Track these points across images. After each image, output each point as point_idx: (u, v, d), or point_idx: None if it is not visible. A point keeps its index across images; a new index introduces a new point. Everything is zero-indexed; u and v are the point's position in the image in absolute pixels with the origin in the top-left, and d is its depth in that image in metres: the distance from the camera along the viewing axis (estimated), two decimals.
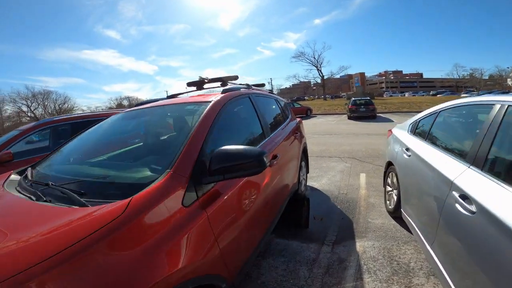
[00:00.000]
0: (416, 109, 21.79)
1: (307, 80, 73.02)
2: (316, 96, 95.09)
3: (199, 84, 2.87)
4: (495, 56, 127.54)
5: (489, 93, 2.18)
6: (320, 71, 66.52)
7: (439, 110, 2.44)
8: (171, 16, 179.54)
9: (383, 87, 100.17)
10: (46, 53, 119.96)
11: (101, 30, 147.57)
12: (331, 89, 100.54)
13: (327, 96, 72.76)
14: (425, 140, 2.42)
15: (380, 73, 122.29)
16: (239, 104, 2.26)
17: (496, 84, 64.56)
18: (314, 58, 65.13)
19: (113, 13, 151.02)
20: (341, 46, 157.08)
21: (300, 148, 3.49)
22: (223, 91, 2.13)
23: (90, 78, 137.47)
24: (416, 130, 2.79)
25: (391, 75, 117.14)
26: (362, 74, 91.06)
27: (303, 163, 3.75)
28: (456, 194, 1.45)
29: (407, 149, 2.59)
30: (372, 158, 6.44)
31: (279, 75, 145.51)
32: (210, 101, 1.84)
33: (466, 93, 54.63)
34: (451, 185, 1.52)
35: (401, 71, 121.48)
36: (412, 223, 2.27)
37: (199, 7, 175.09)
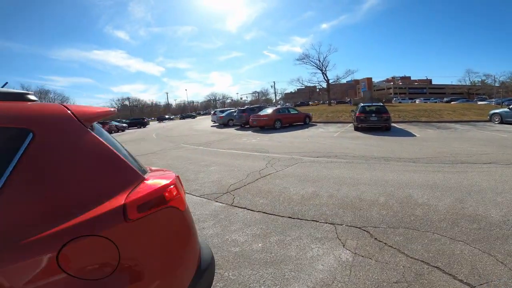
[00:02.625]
0: (437, 118, 18.11)
1: (312, 85, 69.26)
2: (321, 101, 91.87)
3: None
4: (509, 62, 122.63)
5: None
6: (325, 74, 62.60)
7: None
8: (179, 18, 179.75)
9: (391, 93, 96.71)
10: (58, 53, 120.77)
11: (111, 30, 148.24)
12: (337, 94, 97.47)
13: (332, 101, 69.30)
14: None
15: (387, 78, 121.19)
16: None
17: (510, 92, 60.40)
18: (319, 61, 61.29)
19: (123, 14, 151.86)
20: (348, 51, 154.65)
21: None
22: None
23: (99, 78, 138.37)
24: None
25: (399, 81, 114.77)
26: (369, 79, 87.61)
27: None
28: None
29: None
30: (406, 233, 2.94)
31: (285, 79, 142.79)
32: None
33: (481, 100, 50.92)
34: None
35: (409, 77, 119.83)
36: None
37: (206, 9, 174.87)
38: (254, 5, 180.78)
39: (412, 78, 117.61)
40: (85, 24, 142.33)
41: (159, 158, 9.59)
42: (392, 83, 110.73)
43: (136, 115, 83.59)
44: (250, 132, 15.85)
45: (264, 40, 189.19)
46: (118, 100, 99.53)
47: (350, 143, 9.88)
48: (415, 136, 11.25)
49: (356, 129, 13.25)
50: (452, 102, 51.61)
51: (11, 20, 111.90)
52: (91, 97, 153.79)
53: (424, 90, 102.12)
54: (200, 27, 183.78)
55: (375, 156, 7.47)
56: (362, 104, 13.49)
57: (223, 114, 22.71)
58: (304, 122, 17.76)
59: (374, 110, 12.91)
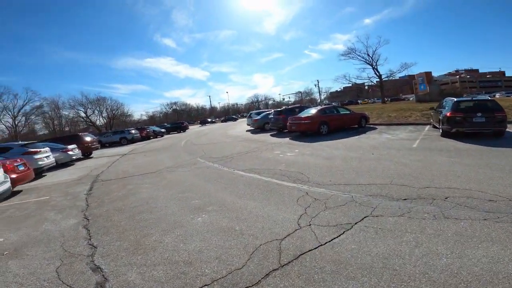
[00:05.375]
0: None
1: (361, 82, 62.31)
2: (372, 100, 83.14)
3: None
4: None
5: None
6: (376, 69, 55.56)
7: None
8: (218, 23, 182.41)
9: (457, 87, 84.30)
10: (117, 62, 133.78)
11: (159, 38, 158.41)
12: (389, 91, 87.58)
13: (386, 98, 61.34)
14: None
15: (450, 72, 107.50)
16: None
17: None
18: (368, 55, 54.66)
19: (167, 22, 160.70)
20: (399, 45, 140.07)
21: None
22: None
23: (152, 85, 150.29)
24: None
25: (463, 74, 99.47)
26: (428, 74, 76.44)
27: None
28: None
29: None
30: None
31: (329, 78, 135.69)
32: None
33: None
34: None
35: (477, 70, 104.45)
36: None
37: (243, 13, 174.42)
38: (290, 5, 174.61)
39: (480, 71, 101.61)
40: (137, 34, 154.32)
41: (151, 184, 6.78)
42: (457, 76, 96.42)
43: (183, 119, 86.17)
44: (287, 139, 12.37)
45: (304, 39, 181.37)
46: (167, 104, 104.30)
47: (455, 162, 5.78)
48: None
49: (446, 135, 8.82)
50: None
51: (77, 33, 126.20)
52: (147, 103, 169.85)
53: (499, 82, 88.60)
54: (239, 31, 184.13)
55: None
56: (455, 99, 8.96)
57: (258, 117, 19.54)
58: (359, 124, 13.59)
59: (479, 107, 8.33)
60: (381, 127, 13.28)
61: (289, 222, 3.60)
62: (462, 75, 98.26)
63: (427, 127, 11.84)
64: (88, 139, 16.96)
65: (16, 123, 51.51)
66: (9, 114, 50.81)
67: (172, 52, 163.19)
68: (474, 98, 9.20)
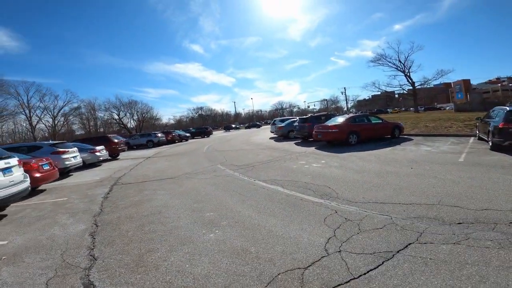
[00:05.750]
0: None
1: (392, 89, 59.47)
2: (403, 108, 79.16)
3: None
4: None
5: None
6: (409, 77, 52.78)
7: None
8: (243, 29, 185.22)
9: (499, 96, 78.23)
10: (149, 67, 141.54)
11: (187, 45, 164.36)
12: (423, 99, 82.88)
13: (419, 107, 57.92)
14: None
15: (490, 80, 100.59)
16: None
17: None
18: (400, 61, 52.25)
19: (195, 28, 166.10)
20: (430, 53, 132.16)
21: None
22: None
23: (181, 89, 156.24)
24: None
25: (505, 81, 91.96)
26: (466, 81, 71.39)
27: None
28: None
29: None
30: None
31: (356, 85, 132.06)
32: None
33: None
34: None
35: None
36: None
37: (268, 20, 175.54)
38: (316, 11, 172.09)
39: None
40: (166, 39, 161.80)
41: (167, 190, 6.50)
42: (499, 84, 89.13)
43: (208, 124, 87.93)
44: (313, 149, 11.68)
45: (330, 46, 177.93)
46: (194, 109, 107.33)
47: None
48: None
49: (496, 148, 7.67)
50: None
51: (112, 38, 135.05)
52: (175, 107, 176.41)
53: None
54: (264, 37, 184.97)
55: None
56: (508, 108, 7.78)
57: (282, 124, 18.98)
58: (392, 135, 12.53)
59: None
60: (417, 138, 12.12)
61: (314, 247, 3.02)
62: (504, 83, 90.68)
63: (472, 139, 10.58)
64: (115, 140, 17.42)
65: (56, 122, 55.33)
66: (49, 114, 54.83)
67: (199, 57, 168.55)
68: None
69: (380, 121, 12.74)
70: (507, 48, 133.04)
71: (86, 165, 13.20)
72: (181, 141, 31.75)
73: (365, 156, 8.57)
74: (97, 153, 13.62)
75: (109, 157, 17.02)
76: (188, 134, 35.59)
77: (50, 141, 13.72)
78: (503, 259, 2.47)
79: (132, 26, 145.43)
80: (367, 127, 12.05)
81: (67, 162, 10.70)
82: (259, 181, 6.44)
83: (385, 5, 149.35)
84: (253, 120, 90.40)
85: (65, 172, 11.23)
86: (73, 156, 11.25)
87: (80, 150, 13.31)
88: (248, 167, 8.53)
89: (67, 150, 11.00)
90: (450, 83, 69.36)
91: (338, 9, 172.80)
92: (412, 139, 11.91)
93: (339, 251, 2.88)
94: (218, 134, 45.69)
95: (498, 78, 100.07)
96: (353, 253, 2.81)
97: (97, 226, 4.47)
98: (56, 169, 8.91)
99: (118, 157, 17.54)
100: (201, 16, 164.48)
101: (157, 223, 4.32)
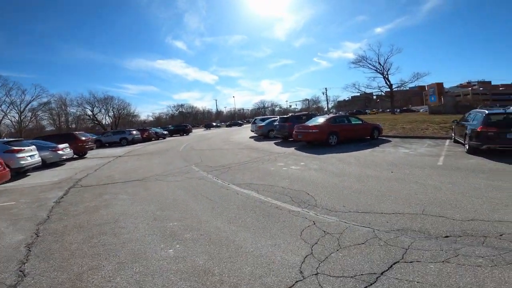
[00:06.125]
0: None
1: (371, 91, 61.12)
2: (380, 110, 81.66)
3: None
4: None
5: None
6: (387, 79, 54.44)
7: None
8: (229, 27, 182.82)
9: (469, 100, 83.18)
10: (129, 63, 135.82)
11: (171, 41, 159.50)
12: (399, 101, 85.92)
13: (395, 109, 59.83)
14: None
15: (461, 84, 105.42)
16: None
17: None
18: (379, 63, 53.73)
19: (180, 25, 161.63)
20: (409, 55, 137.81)
21: None
22: None
23: (162, 86, 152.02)
24: None
25: (476, 86, 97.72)
26: (439, 85, 74.70)
27: None
28: None
29: None
30: None
31: (337, 86, 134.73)
32: None
33: None
34: None
35: (489, 82, 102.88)
36: None
37: (254, 18, 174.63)
38: (302, 11, 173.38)
39: (493, 83, 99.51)
40: (150, 35, 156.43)
41: (130, 195, 5.84)
42: (470, 88, 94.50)
43: (189, 121, 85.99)
44: (292, 149, 11.35)
45: (314, 46, 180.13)
46: (174, 106, 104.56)
47: (496, 187, 4.67)
48: None
49: (473, 151, 7.69)
50: None
51: (92, 32, 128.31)
52: (156, 104, 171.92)
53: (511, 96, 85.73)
54: (249, 36, 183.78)
55: None
56: (487, 112, 7.82)
57: (263, 123, 18.56)
58: (372, 136, 12.50)
59: None
60: (395, 140, 12.16)
61: (288, 268, 2.59)
62: (475, 87, 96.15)
63: (447, 141, 10.71)
64: (82, 138, 16.19)
65: (22, 118, 51.55)
66: (15, 109, 50.99)
67: (182, 54, 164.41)
68: (507, 111, 8.02)
69: (360, 122, 12.67)
70: (478, 53, 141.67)
71: (47, 165, 12.07)
72: (158, 139, 30.49)
73: (345, 158, 8.32)
74: (59, 152, 12.49)
75: (76, 156, 15.82)
76: (165, 132, 34.29)
77: (5, 139, 12.42)
78: (498, 280, 2.18)
79: (114, 20, 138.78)
80: (347, 128, 11.92)
81: (22, 162, 9.63)
82: (233, 185, 5.94)
83: (368, 8, 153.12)
84: (235, 119, 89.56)
85: (21, 172, 10.16)
86: (30, 155, 10.16)
87: (40, 148, 12.15)
88: (224, 169, 8.01)
89: (22, 148, 9.91)
90: (424, 86, 72.34)
91: (324, 10, 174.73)
92: (391, 141, 11.92)
93: (316, 274, 2.46)
94: (198, 132, 44.57)
95: (469, 82, 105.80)
96: (332, 276, 2.41)
97: (38, 236, 3.83)
98: (8, 169, 7.92)
99: (85, 156, 16.32)
100: (187, 12, 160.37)
101: (109, 234, 3.72)
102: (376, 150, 9.65)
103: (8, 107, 50.00)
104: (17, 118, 51.46)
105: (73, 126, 63.38)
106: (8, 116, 50.64)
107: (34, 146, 10.79)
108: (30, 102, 52.02)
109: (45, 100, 54.44)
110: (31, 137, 24.51)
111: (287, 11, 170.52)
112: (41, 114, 56.82)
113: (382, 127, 13.79)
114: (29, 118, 53.60)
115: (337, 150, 9.92)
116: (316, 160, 8.37)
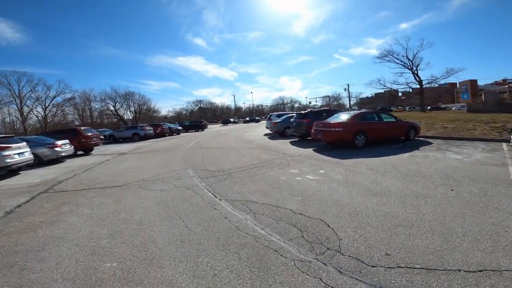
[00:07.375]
0: None
1: (398, 87, 57.03)
2: (407, 107, 76.52)
3: None
4: None
5: None
6: (417, 75, 50.38)
7: None
8: (248, 24, 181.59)
9: (505, 98, 76.61)
10: (151, 59, 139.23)
11: (191, 38, 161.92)
12: (429, 99, 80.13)
13: (426, 107, 55.51)
14: None
15: (496, 81, 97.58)
16: None
17: None
18: (408, 58, 49.83)
19: (199, 22, 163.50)
20: (436, 52, 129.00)
21: None
22: None
23: (182, 83, 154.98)
24: None
25: None
26: (473, 82, 68.84)
27: None
28: None
29: None
30: None
31: (359, 83, 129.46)
32: None
33: None
34: None
35: None
36: None
37: (273, 14, 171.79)
38: (321, 7, 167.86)
39: None
40: (170, 33, 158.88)
41: (92, 209, 4.47)
42: (506, 86, 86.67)
43: (208, 117, 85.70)
44: (310, 150, 9.62)
45: (334, 43, 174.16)
46: (193, 102, 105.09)
47: None
48: None
49: None
50: None
51: (116, 30, 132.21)
52: (177, 100, 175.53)
53: None
54: (267, 32, 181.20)
55: None
56: None
57: (278, 120, 16.82)
58: (407, 137, 10.44)
59: None
60: (437, 142, 10.03)
61: None
62: (511, 85, 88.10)
63: (504, 145, 8.52)
64: (88, 134, 15.39)
65: (47, 113, 53.23)
66: (41, 105, 52.71)
67: (202, 51, 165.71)
68: None
69: (394, 120, 10.62)
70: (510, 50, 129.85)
71: (44, 162, 11.25)
72: (172, 135, 29.69)
73: (378, 165, 6.49)
74: (57, 148, 11.61)
75: (82, 152, 15.10)
76: (180, 128, 33.47)
77: None
78: None
79: (137, 18, 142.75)
80: (378, 126, 9.93)
81: (8, 160, 8.72)
82: (225, 202, 4.42)
83: (392, 4, 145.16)
84: (253, 115, 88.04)
85: (11, 171, 9.35)
86: (18, 152, 9.26)
87: (37, 145, 11.37)
88: (223, 175, 6.52)
89: (8, 146, 8.99)
90: (456, 83, 66.82)
91: (343, 6, 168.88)
92: (431, 143, 9.82)
93: None
94: (214, 128, 43.56)
95: (505, 80, 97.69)
96: None
97: None
98: None
99: (91, 152, 15.55)
100: (205, 9, 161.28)
101: (15, 269, 2.39)
102: (416, 154, 7.69)
103: (34, 102, 51.80)
104: (42, 114, 53.21)
105: (98, 120, 64.94)
106: (34, 111, 52.50)
107: (24, 143, 9.91)
108: (54, 98, 53.56)
109: (69, 95, 55.88)
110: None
111: (305, 7, 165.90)
112: (66, 109, 58.52)
113: (420, 125, 11.63)
114: (53, 113, 55.26)
115: (366, 154, 8.06)
116: (340, 167, 6.61)
